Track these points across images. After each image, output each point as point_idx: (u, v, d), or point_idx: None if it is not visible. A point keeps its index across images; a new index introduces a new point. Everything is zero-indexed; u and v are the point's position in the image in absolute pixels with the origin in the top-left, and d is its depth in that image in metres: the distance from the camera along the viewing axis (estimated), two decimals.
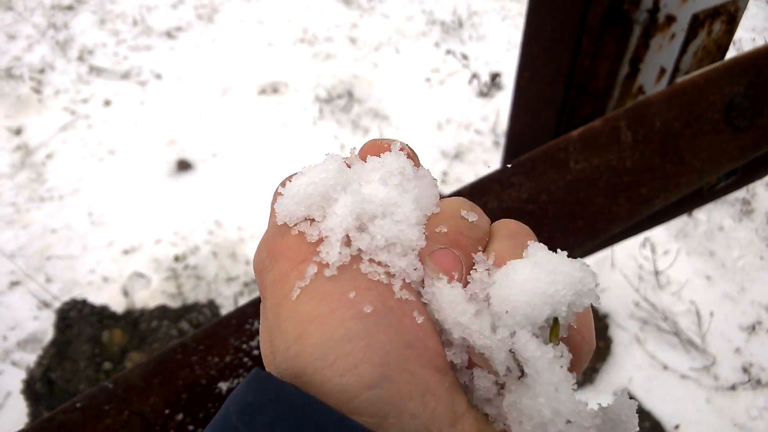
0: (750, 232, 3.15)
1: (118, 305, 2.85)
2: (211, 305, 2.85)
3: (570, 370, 0.40)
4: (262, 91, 3.98)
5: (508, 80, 3.94)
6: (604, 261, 2.99)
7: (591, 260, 2.97)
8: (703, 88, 0.97)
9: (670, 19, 1.15)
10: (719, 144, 0.97)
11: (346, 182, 0.46)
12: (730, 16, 1.12)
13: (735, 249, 3.08)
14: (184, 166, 3.51)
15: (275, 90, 4.00)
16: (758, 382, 2.60)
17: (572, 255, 0.90)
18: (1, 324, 2.82)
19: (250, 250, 3.07)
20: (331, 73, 4.12)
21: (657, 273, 2.93)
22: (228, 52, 4.27)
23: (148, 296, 2.90)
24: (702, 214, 3.22)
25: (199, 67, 4.17)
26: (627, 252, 3.01)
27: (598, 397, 2.57)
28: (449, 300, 0.41)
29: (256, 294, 2.09)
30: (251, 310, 0.81)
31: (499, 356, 0.40)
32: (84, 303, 2.83)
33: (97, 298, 2.87)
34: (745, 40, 4.02)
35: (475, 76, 3.95)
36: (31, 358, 2.69)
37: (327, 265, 0.40)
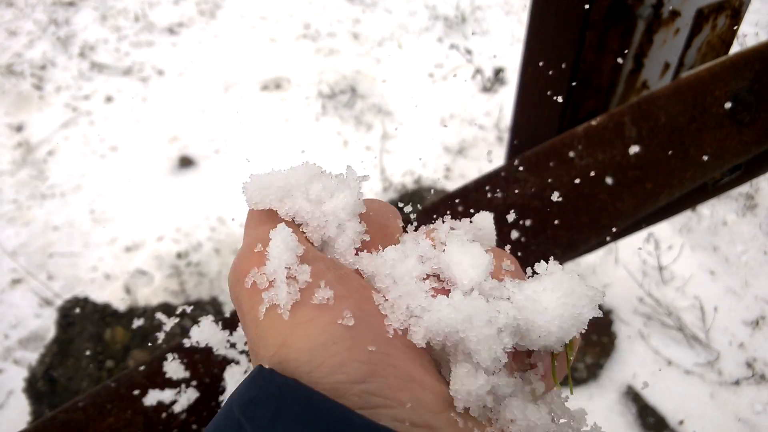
0: (754, 227, 3.15)
1: (120, 303, 2.85)
2: (214, 302, 2.85)
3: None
4: (265, 87, 3.97)
5: (512, 75, 3.93)
6: (608, 256, 2.99)
7: (595, 256, 2.96)
8: (707, 83, 0.97)
9: (675, 14, 1.14)
10: (724, 139, 0.97)
11: (307, 186, 0.48)
12: (734, 11, 1.11)
13: (739, 244, 3.07)
14: (186, 162, 3.51)
15: (278, 86, 3.99)
16: (762, 377, 2.60)
17: (578, 251, 0.90)
18: (3, 322, 2.82)
19: None
20: (333, 68, 4.11)
21: (661, 268, 2.92)
22: (230, 48, 4.27)
23: (151, 293, 2.90)
24: (706, 209, 3.21)
25: (201, 63, 4.16)
26: (631, 247, 3.01)
27: (602, 392, 2.57)
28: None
29: None
30: None
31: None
32: (86, 301, 2.83)
33: (99, 296, 2.87)
34: (748, 35, 4.01)
35: (478, 71, 3.94)
36: (32, 356, 2.69)
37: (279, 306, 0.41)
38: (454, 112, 3.79)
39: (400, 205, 0.62)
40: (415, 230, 0.53)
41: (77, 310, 2.78)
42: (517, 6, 4.58)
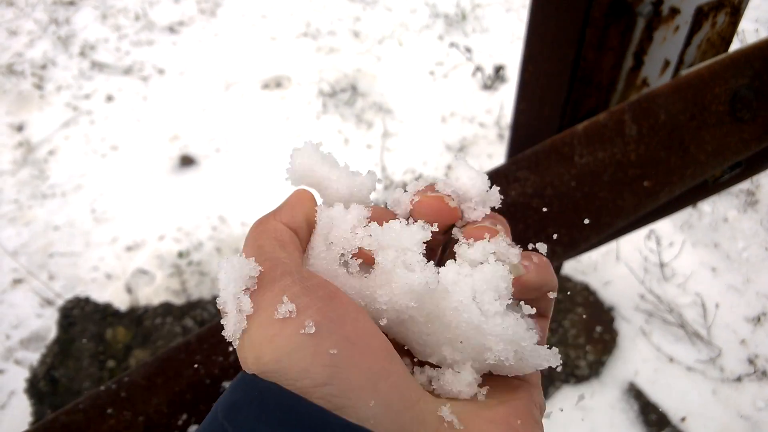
0: (755, 223, 3.14)
1: (121, 302, 2.85)
2: (215, 302, 2.84)
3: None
4: (266, 86, 3.97)
5: (512, 73, 3.93)
6: (609, 254, 2.99)
7: (596, 253, 2.96)
8: (707, 80, 0.97)
9: (674, 12, 1.14)
10: (724, 136, 0.97)
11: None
12: (734, 8, 1.11)
13: (740, 240, 3.07)
14: (187, 161, 3.51)
15: (278, 84, 3.99)
16: (764, 373, 2.59)
17: (578, 249, 0.90)
18: (4, 322, 2.82)
19: None
20: (334, 66, 4.11)
21: (662, 265, 2.92)
22: (231, 47, 4.27)
23: (152, 293, 2.90)
24: (707, 205, 3.21)
25: (201, 61, 4.16)
26: (632, 244, 3.01)
27: (604, 390, 2.57)
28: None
29: None
30: None
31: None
32: (87, 300, 2.83)
33: (100, 296, 2.87)
34: (748, 31, 4.01)
35: (478, 68, 3.94)
36: (34, 356, 2.69)
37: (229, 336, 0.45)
38: (455, 110, 3.79)
39: None
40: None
41: (78, 310, 2.78)
42: (517, 4, 4.58)
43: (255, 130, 3.68)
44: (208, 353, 0.77)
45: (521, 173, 0.91)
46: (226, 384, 0.76)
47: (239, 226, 3.15)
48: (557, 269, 1.71)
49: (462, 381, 0.49)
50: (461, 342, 0.48)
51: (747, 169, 1.13)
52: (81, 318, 2.75)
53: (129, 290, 2.90)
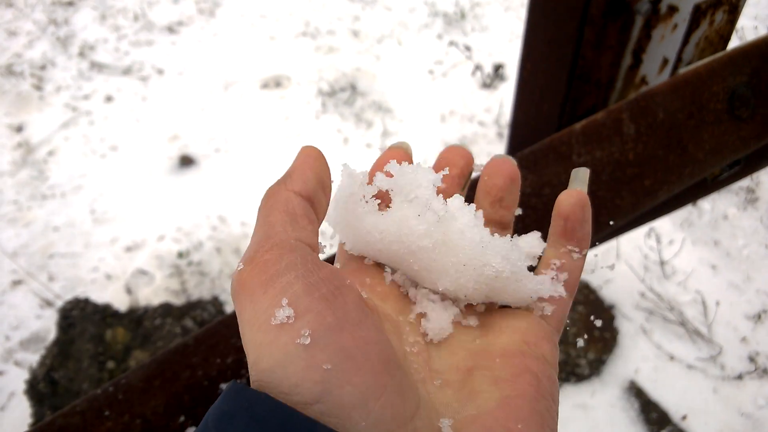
0: (755, 221, 3.14)
1: (121, 303, 2.85)
2: (215, 302, 2.85)
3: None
4: (265, 85, 3.97)
5: (511, 71, 3.93)
6: (608, 252, 2.99)
7: (596, 251, 2.96)
8: (705, 78, 0.97)
9: (672, 10, 1.14)
10: (722, 134, 0.97)
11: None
12: (732, 6, 1.11)
13: (740, 238, 3.07)
14: (186, 161, 3.51)
15: (278, 84, 3.99)
16: (765, 371, 2.59)
17: None
18: (4, 324, 2.82)
19: None
20: (333, 66, 4.11)
21: (662, 263, 2.92)
22: (230, 47, 4.27)
23: (152, 293, 2.90)
24: (706, 203, 3.21)
25: (201, 61, 4.16)
26: (632, 242, 3.00)
27: (604, 388, 2.56)
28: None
29: None
30: None
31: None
32: (87, 301, 2.83)
33: (100, 296, 2.87)
34: (747, 28, 4.00)
35: (478, 67, 3.94)
36: (33, 357, 2.69)
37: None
38: (454, 109, 3.79)
39: None
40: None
41: (78, 311, 2.78)
42: (516, 2, 4.58)
43: (254, 129, 3.68)
44: (206, 355, 0.77)
45: (520, 172, 0.91)
46: (224, 386, 0.76)
47: (239, 226, 3.15)
48: None
49: (449, 314, 0.54)
50: (464, 264, 0.52)
51: (745, 167, 1.13)
52: (80, 319, 2.75)
53: (129, 291, 2.90)
